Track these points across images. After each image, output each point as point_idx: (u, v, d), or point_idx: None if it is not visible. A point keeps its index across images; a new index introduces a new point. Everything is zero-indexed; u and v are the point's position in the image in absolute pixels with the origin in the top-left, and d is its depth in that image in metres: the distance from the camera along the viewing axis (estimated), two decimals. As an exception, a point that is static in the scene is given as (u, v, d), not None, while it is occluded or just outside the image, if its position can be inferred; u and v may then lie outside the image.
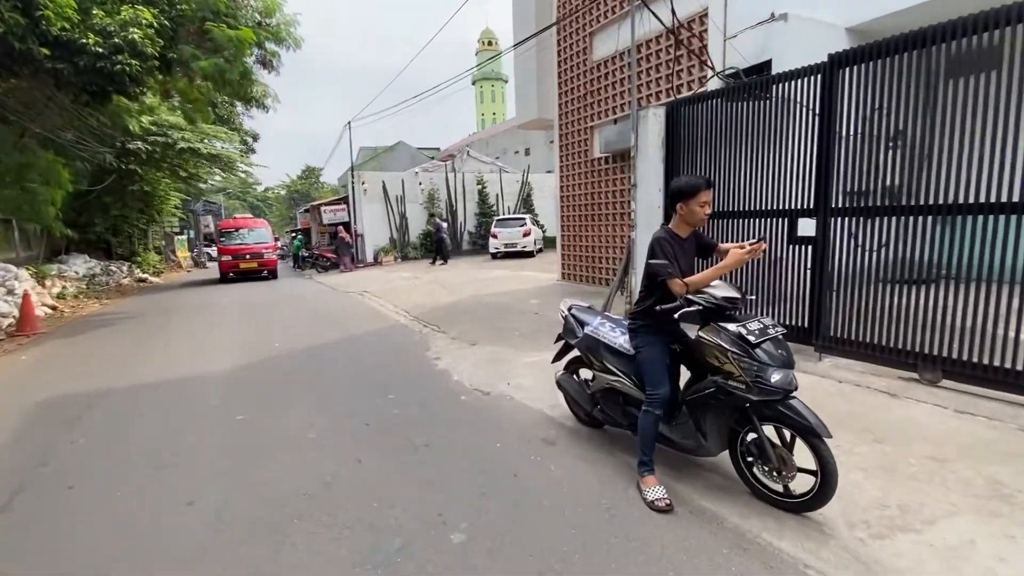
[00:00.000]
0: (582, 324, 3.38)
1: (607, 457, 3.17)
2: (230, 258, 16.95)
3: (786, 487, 2.52)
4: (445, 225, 19.72)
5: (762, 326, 2.54)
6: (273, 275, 17.73)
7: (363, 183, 19.85)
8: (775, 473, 2.51)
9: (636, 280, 5.77)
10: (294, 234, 31.97)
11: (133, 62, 8.41)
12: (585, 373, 3.61)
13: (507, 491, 2.80)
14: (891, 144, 4.08)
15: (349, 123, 19.60)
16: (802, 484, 2.47)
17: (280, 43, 12.11)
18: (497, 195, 22.56)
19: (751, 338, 2.45)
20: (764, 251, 2.74)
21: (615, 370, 3.09)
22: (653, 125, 5.49)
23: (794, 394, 2.46)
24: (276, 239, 27.61)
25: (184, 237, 33.71)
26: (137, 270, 18.50)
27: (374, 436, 3.61)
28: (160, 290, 15.69)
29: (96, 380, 5.39)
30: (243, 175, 20.02)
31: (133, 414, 4.32)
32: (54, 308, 10.96)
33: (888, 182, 4.04)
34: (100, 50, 8.15)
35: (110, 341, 7.57)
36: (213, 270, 29.65)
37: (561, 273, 11.46)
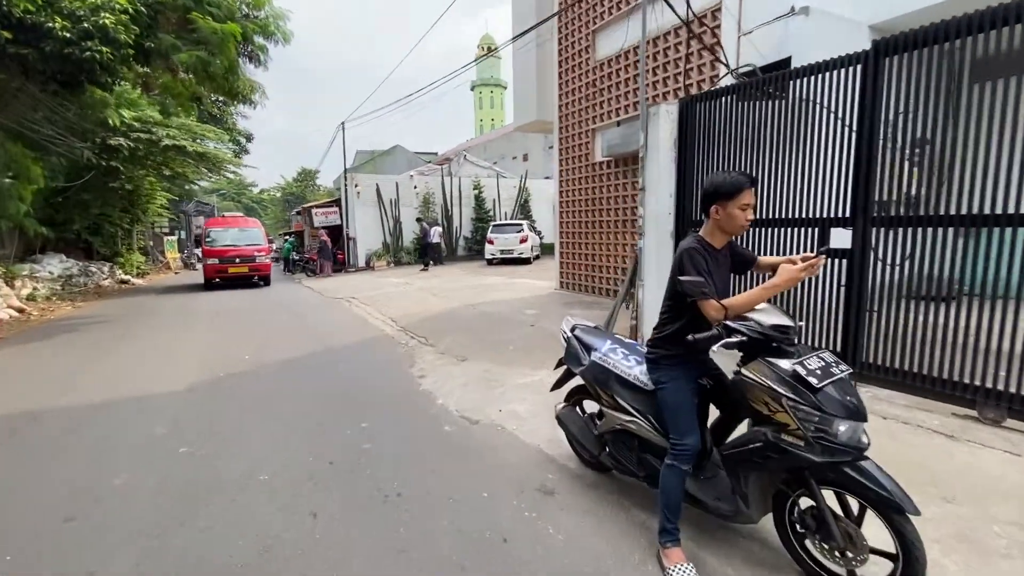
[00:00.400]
0: (588, 349, 2.82)
1: (618, 513, 2.60)
2: (216, 261, 14.88)
3: (852, 572, 1.96)
4: (439, 229, 19.19)
5: (823, 363, 1.98)
6: (266, 281, 15.81)
7: (356, 186, 19.29)
8: (838, 553, 1.95)
9: (644, 293, 5.22)
10: (286, 236, 31.32)
11: (104, 49, 7.84)
12: (591, 406, 3.06)
13: (494, 564, 2.22)
14: (918, 149, 3.59)
15: (343, 123, 19.06)
16: (874, 569, 1.92)
17: (269, 37, 11.57)
18: (494, 200, 22.06)
19: (812, 380, 1.89)
20: (822, 267, 2.19)
21: (629, 408, 2.52)
22: (665, 123, 4.96)
23: (866, 453, 1.91)
24: (270, 241, 26.82)
25: (174, 238, 32.97)
26: (119, 271, 17.83)
27: (337, 479, 3.02)
28: (140, 293, 15.03)
29: (35, 397, 4.77)
30: (232, 176, 19.26)
31: (61, 444, 3.71)
32: (21, 311, 10.31)
33: (936, 187, 3.51)
34: (67, 35, 7.58)
35: (68, 350, 6.95)
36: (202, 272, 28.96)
37: (559, 282, 10.92)
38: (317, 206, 20.85)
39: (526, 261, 18.02)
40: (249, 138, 33.10)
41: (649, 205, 5.10)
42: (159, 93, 12.71)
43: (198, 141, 16.58)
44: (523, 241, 17.91)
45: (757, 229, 4.69)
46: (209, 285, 15.07)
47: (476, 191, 21.55)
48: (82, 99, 9.55)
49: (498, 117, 71.58)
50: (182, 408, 4.39)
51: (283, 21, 11.49)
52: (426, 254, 17.54)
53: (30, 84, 8.71)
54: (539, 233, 20.62)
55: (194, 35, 9.68)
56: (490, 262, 18.32)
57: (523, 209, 22.58)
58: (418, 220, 18.42)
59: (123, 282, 17.55)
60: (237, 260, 15.06)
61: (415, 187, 20.55)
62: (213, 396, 4.70)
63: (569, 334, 3.01)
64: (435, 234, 19.13)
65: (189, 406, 4.44)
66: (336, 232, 21.15)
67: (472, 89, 77.63)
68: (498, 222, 20.02)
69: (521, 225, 18.47)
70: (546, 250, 21.31)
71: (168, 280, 20.44)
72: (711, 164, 4.92)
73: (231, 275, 15.00)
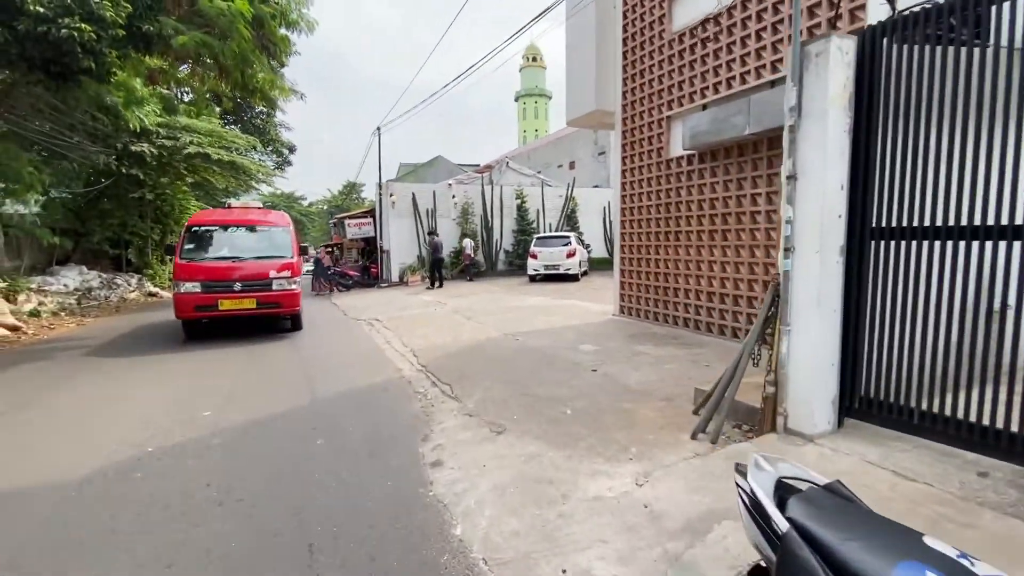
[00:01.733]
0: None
1: None
2: (198, 289, 7.87)
3: None
4: (471, 243, 17.70)
5: None
6: (295, 323, 9.18)
7: (391, 195, 18.00)
8: None
9: (792, 343, 3.24)
10: (329, 249, 30.59)
11: (85, 27, 6.62)
12: None
13: None
14: None
15: (379, 129, 17.87)
16: None
17: (291, 27, 10.33)
18: (538, 211, 20.31)
19: None
20: None
21: None
22: (836, 70, 3.02)
23: None
24: (303, 250, 25.27)
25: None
26: (148, 283, 17.15)
27: None
28: (162, 307, 14.08)
29: None
30: (268, 186, 18.15)
31: None
32: (14, 328, 9.29)
33: None
34: (42, 10, 6.41)
35: (7, 390, 5.61)
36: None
37: (619, 306, 8.96)
38: (350, 217, 19.71)
39: (574, 278, 16.13)
40: (292, 149, 32.99)
41: (804, 203, 3.14)
42: (174, 88, 11.67)
43: (231, 151, 15.70)
44: (571, 255, 16.03)
45: (976, 242, 2.69)
46: (191, 330, 8.35)
47: (519, 200, 19.87)
48: (78, 95, 8.51)
49: (542, 128, 69.95)
50: (36, 526, 2.75)
51: (306, 8, 10.23)
52: (436, 272, 15.91)
53: (13, 74, 7.64)
54: (588, 246, 18.69)
55: (199, 19, 8.47)
56: (533, 279, 16.55)
57: (569, 220, 20.72)
58: (429, 234, 16.76)
59: (151, 295, 16.83)
60: (238, 286, 8.04)
61: (453, 196, 19.09)
62: (105, 499, 3.03)
63: (781, 525, 1.12)
64: (469, 247, 17.64)
65: (52, 520, 2.80)
66: (371, 244, 19.97)
67: (516, 100, 76.60)
68: (542, 234, 18.23)
69: (568, 237, 16.61)
70: (595, 265, 19.37)
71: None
72: (918, 137, 2.94)
73: (226, 313, 8.06)
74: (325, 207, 59.86)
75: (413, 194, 18.49)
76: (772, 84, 6.05)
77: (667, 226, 7.71)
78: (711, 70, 6.85)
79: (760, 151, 6.21)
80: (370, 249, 19.90)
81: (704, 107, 6.94)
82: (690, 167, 7.21)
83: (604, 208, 21.50)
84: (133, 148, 12.86)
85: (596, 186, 22.55)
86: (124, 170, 13.07)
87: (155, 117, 13.25)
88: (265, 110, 29.84)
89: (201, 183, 17.05)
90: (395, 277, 18.16)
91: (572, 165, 26.50)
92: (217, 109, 27.46)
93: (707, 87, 6.93)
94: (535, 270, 16.26)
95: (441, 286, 15.73)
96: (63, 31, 6.51)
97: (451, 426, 4.10)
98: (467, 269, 17.78)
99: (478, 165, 44.83)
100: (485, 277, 18.87)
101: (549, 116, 73.95)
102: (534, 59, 75.46)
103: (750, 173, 6.37)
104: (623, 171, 8.69)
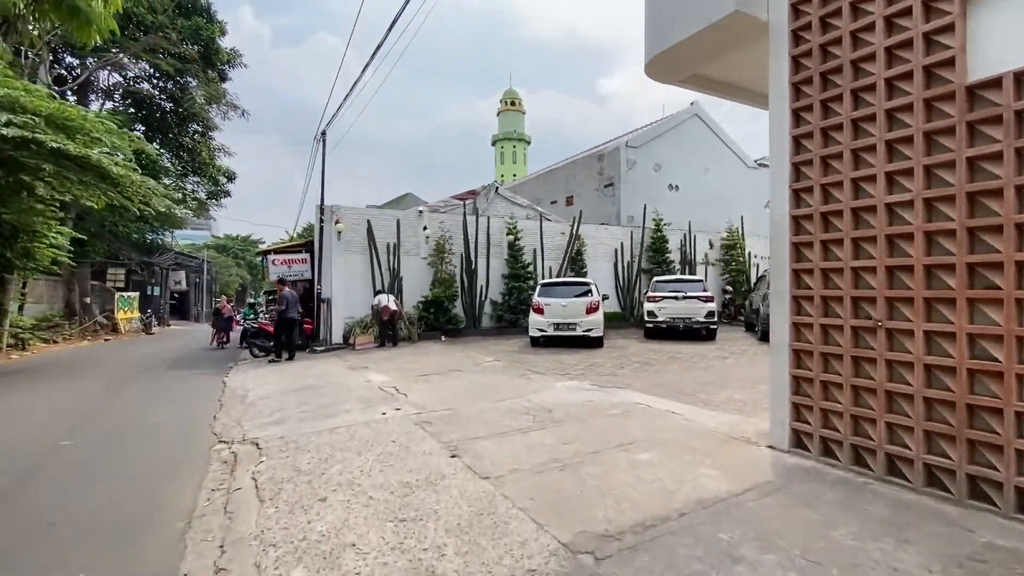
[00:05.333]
0: None
1: None
2: None
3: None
4: (391, 297, 12.19)
5: None
6: None
7: (336, 223, 12.97)
8: None
9: None
10: (272, 296, 24.86)
11: None
12: None
13: None
14: None
15: (323, 133, 13.06)
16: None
17: None
18: (535, 250, 15.62)
19: None
20: None
21: None
22: None
23: None
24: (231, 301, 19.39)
25: (133, 295, 26.79)
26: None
27: None
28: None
29: None
30: (160, 208, 12.53)
31: None
32: None
33: None
34: None
35: None
36: (161, 337, 22.46)
37: (790, 430, 4.04)
38: (278, 251, 14.46)
39: (596, 343, 11.29)
40: (231, 177, 27.72)
41: None
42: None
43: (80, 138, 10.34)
44: (592, 310, 11.28)
45: None
46: None
47: (511, 236, 15.14)
48: None
49: (520, 172, 66.92)
50: None
51: None
52: (285, 337, 10.82)
53: None
54: (605, 297, 13.96)
55: None
56: (536, 341, 11.64)
57: (574, 263, 16.10)
58: (280, 281, 11.50)
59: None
60: None
61: (425, 228, 14.23)
62: None
63: None
64: (388, 300, 12.09)
65: None
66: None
67: (493, 144, 73.98)
68: (548, 280, 13.47)
69: (587, 285, 11.92)
70: (610, 321, 14.62)
71: (65, 355, 13.88)
72: None
73: None
74: (282, 251, 53.99)
75: (369, 222, 13.50)
76: None
77: (976, 248, 2.98)
78: None
79: None
80: (305, 297, 14.62)
81: None
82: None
83: (616, 250, 17.06)
84: None
85: (604, 223, 18.18)
86: None
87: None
88: (199, 129, 24.85)
89: (26, 189, 11.46)
90: (338, 336, 12.87)
91: (569, 200, 22.23)
92: (140, 129, 22.16)
93: None
94: (540, 330, 11.34)
95: (291, 358, 10.68)
96: None
97: None
98: (384, 332, 12.34)
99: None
100: (465, 337, 13.79)
101: (527, 161, 71.37)
102: (512, 103, 73.69)
103: None
104: (796, 139, 4.03)
